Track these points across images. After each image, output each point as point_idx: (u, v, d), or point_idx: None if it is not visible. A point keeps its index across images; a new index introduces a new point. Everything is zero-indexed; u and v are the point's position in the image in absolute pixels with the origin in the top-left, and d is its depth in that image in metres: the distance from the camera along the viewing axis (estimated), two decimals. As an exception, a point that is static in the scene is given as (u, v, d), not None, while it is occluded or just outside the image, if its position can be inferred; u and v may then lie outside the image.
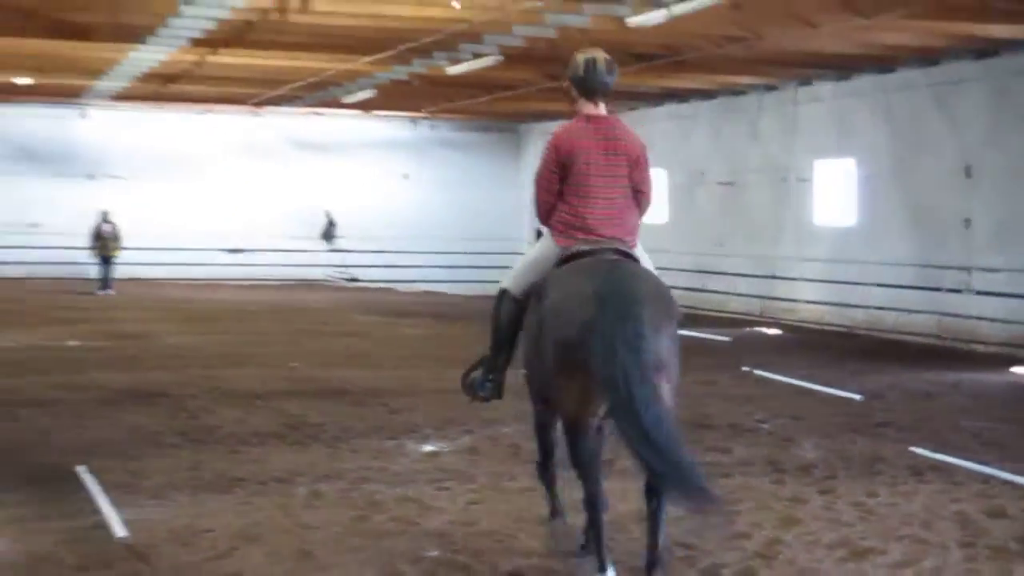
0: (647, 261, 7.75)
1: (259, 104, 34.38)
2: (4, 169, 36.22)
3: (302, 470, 10.65)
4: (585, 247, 7.48)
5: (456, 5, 18.54)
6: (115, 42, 23.30)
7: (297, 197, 38.05)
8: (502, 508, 9.32)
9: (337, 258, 38.71)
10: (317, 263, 38.71)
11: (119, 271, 32.94)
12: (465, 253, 39.15)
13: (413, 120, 38.92)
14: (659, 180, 31.90)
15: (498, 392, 8.27)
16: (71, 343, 20.15)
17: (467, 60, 23.53)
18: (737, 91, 28.29)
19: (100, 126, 36.98)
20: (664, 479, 6.82)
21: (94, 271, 33.07)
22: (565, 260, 7.52)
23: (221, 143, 37.67)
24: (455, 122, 39.05)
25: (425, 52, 22.95)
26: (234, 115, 37.10)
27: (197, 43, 22.67)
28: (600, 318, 6.82)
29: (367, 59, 24.11)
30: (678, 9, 17.19)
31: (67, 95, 33.99)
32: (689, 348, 21.22)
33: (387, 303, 30.93)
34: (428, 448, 11.78)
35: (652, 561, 7.09)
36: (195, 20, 20.47)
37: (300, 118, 37.74)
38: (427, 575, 7.59)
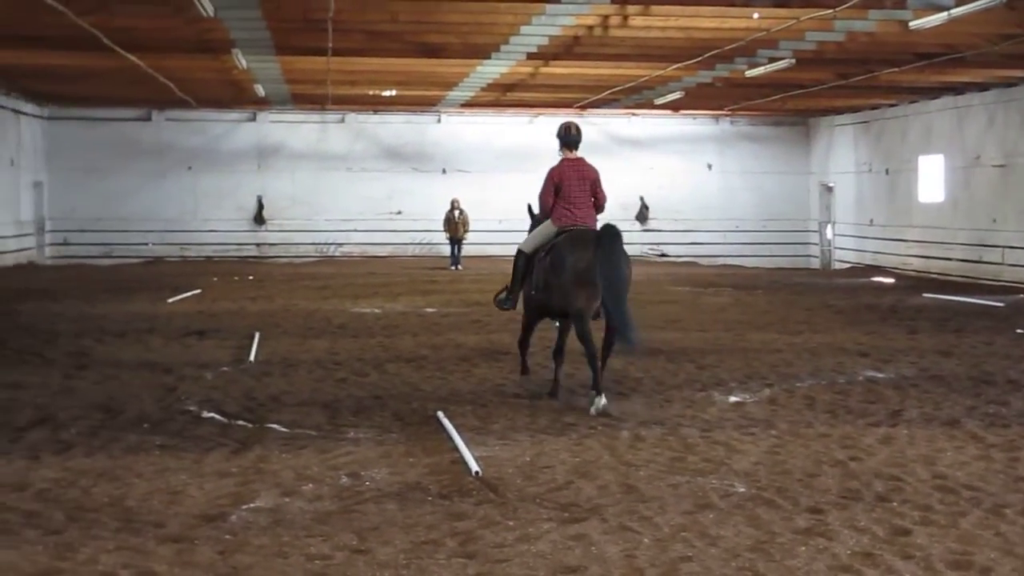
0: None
1: (583, 107, 34.52)
2: (373, 166, 37.54)
3: (625, 417, 10.67)
4: (571, 226, 11.60)
5: (756, 16, 18.20)
6: (465, 59, 23.79)
7: (615, 185, 37.68)
8: (801, 452, 9.13)
9: (650, 237, 38.66)
10: (632, 241, 38.38)
11: (466, 249, 33.68)
12: (761, 231, 38.54)
13: (715, 117, 38.41)
14: (936, 164, 30.77)
15: (514, 306, 12.29)
16: (428, 310, 20.66)
17: (764, 64, 23.09)
18: (1010, 83, 26.92)
19: (451, 129, 37.85)
20: (622, 327, 10.94)
21: (446, 250, 33.92)
22: (561, 233, 11.55)
23: (550, 140, 37.91)
24: (752, 118, 38.39)
25: (727, 58, 22.61)
26: (561, 116, 37.35)
27: (532, 57, 22.93)
28: (600, 256, 10.95)
29: (677, 66, 23.89)
30: (958, 12, 16.43)
31: (425, 104, 34.88)
32: (967, 313, 20.37)
33: (693, 275, 30.71)
34: (733, 399, 11.64)
35: (596, 373, 11.08)
36: (531, 38, 20.72)
37: (618, 118, 37.75)
38: (736, 507, 7.50)
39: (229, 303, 21.80)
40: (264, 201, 37.11)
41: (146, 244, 36.48)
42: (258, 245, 37.28)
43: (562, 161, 11.94)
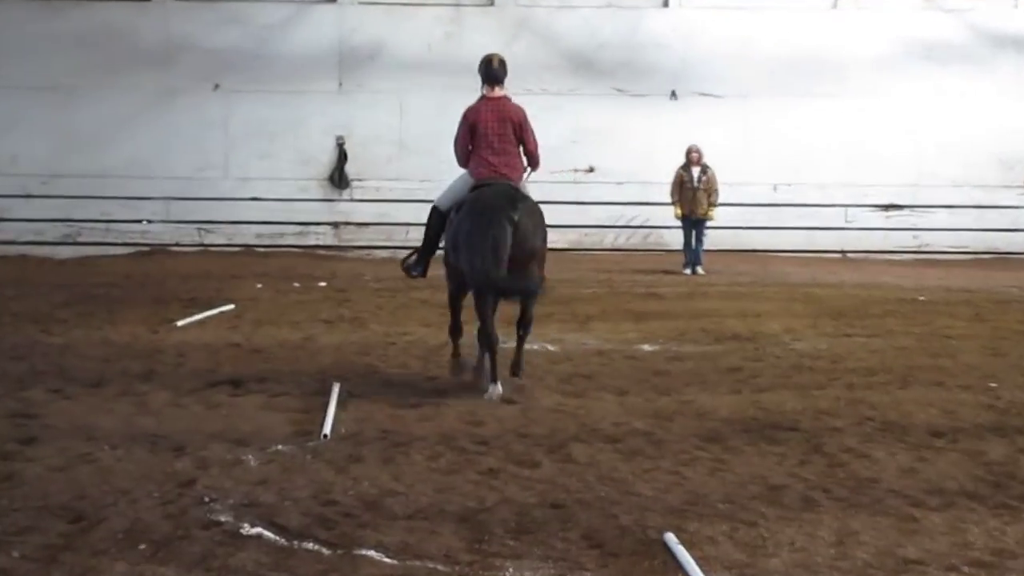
0: (527, 190, 16.60)
1: (932, -18, 34.39)
2: (546, 86, 37.31)
3: (1014, 549, 10.49)
4: (489, 179, 16.27)
5: None
6: None
7: (991, 125, 37.64)
8: None
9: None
10: (1015, 228, 38.24)
11: (713, 237, 33.56)
12: None
13: None
14: None
15: (424, 273, 17.50)
16: (644, 347, 20.68)
17: None
18: None
19: (686, 20, 37.80)
20: (516, 292, 16.31)
21: (674, 237, 33.84)
22: (477, 187, 16.27)
23: (865, 43, 37.75)
24: None
25: None
26: (890, 1, 37.15)
27: None
28: (502, 220, 15.74)
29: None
30: None
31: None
32: None
33: None
34: None
35: (516, 363, 17.02)
36: None
37: (998, 4, 37.38)
38: None
39: (285, 329, 22.21)
40: (348, 148, 37.60)
41: (140, 222, 37.31)
42: (336, 225, 37.95)
43: (477, 102, 16.61)
